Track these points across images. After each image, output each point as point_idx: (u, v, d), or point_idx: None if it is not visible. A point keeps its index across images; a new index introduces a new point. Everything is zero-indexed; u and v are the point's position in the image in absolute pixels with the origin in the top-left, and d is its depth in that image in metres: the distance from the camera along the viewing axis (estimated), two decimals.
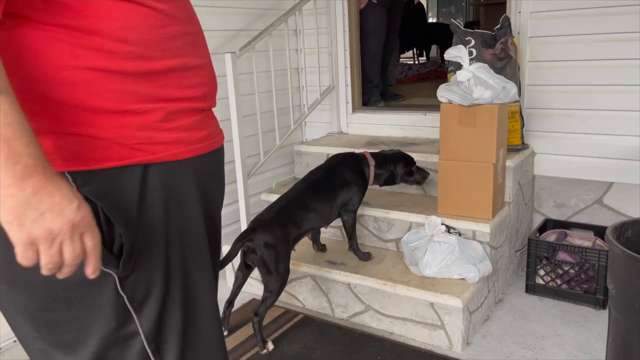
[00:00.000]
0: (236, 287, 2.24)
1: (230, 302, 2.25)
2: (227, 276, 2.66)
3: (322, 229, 2.66)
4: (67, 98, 0.77)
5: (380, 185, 2.52)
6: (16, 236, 0.67)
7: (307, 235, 2.36)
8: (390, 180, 2.49)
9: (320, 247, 2.63)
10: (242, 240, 2.07)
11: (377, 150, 2.56)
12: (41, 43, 0.75)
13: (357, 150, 2.57)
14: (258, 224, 2.11)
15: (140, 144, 0.82)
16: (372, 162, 2.42)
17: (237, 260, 2.20)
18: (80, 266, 0.73)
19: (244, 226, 2.59)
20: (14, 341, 2.11)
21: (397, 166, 2.46)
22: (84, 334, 0.85)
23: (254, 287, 2.66)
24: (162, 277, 0.88)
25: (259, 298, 2.18)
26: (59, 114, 0.77)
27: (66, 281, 0.75)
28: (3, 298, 0.86)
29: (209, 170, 0.97)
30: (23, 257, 0.68)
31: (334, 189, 2.32)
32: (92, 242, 0.73)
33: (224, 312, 2.24)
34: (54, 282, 0.76)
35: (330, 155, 2.54)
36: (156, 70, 0.83)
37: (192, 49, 0.90)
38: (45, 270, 0.70)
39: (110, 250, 0.82)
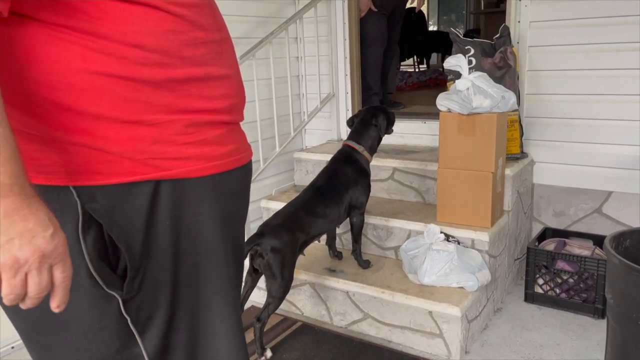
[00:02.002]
0: (245, 291, 2.23)
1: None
2: None
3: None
4: (74, 104, 0.71)
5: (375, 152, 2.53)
6: None
7: (318, 239, 2.37)
8: (379, 142, 2.51)
9: (337, 254, 2.63)
10: (250, 244, 2.07)
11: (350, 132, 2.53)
12: (48, 45, 0.69)
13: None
14: (266, 229, 2.12)
15: (153, 158, 0.76)
16: (360, 148, 2.42)
17: (245, 265, 2.20)
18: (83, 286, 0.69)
19: None
20: (12, 347, 2.11)
21: (375, 130, 2.46)
22: (79, 358, 0.81)
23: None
24: (169, 298, 0.83)
25: (257, 305, 2.18)
26: (65, 121, 0.71)
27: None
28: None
29: (233, 189, 0.89)
30: None
31: (339, 192, 2.34)
32: (62, 274, 0.65)
33: None
34: (49, 301, 0.71)
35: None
36: (174, 79, 0.77)
37: (217, 58, 0.84)
38: (5, 301, 0.63)
39: (114, 270, 0.78)
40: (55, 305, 0.67)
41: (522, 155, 2.72)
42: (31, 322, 0.79)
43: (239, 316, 0.96)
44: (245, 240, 2.12)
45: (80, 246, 0.75)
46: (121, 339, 0.81)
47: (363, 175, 2.41)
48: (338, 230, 2.64)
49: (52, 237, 0.63)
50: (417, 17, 6.30)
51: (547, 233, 2.77)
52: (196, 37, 0.79)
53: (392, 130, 2.54)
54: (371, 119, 2.46)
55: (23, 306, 0.65)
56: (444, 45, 6.66)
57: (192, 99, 0.79)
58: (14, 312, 0.80)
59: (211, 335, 0.90)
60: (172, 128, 0.77)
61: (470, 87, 2.24)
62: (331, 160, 2.47)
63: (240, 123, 0.93)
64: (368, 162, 2.45)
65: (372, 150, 2.48)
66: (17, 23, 0.69)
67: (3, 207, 0.60)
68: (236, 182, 0.90)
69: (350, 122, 2.56)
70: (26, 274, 0.62)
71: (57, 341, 0.80)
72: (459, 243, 2.31)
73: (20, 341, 0.90)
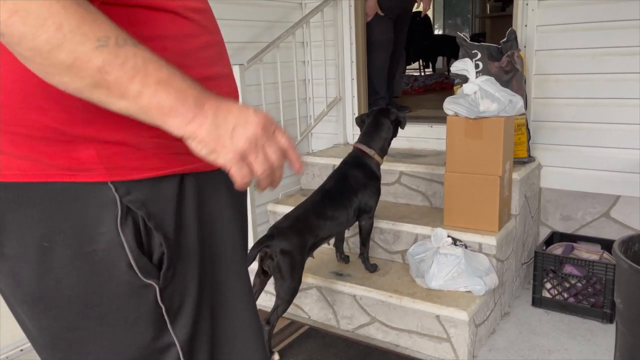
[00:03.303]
0: (253, 293, 2.24)
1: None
2: None
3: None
4: None
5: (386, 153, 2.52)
6: (225, 158, 0.69)
7: (327, 242, 2.37)
8: (390, 142, 2.50)
9: (343, 258, 2.62)
10: (260, 246, 2.08)
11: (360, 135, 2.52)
12: None
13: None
14: (276, 231, 2.13)
15: (179, 153, 0.82)
16: (370, 151, 2.41)
17: (254, 267, 2.20)
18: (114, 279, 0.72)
19: (250, 236, 2.59)
20: (21, 350, 2.12)
21: (386, 131, 2.46)
22: (113, 351, 0.83)
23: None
24: (196, 285, 0.88)
25: (264, 309, 2.18)
26: (107, 121, 0.76)
27: (103, 293, 0.74)
28: (24, 320, 0.84)
29: None
30: (241, 175, 0.70)
31: (348, 196, 2.33)
32: (284, 137, 0.74)
33: None
34: (87, 295, 0.75)
35: (336, 166, 2.55)
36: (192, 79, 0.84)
37: (220, 59, 0.91)
38: (264, 180, 0.72)
39: (150, 260, 0.82)
40: (298, 166, 0.76)
41: (530, 159, 2.72)
42: (63, 319, 0.81)
43: (252, 293, 1.03)
44: (255, 242, 2.13)
45: (120, 238, 0.79)
46: (155, 328, 0.83)
47: (372, 179, 2.40)
48: (345, 234, 2.64)
49: (256, 112, 0.71)
50: (422, 21, 6.31)
51: (555, 237, 2.77)
52: (206, 40, 0.86)
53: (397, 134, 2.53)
54: (385, 118, 2.44)
55: (275, 184, 0.74)
56: (449, 49, 6.69)
57: None
58: (41, 314, 0.82)
59: (231, 315, 0.94)
60: None
61: (477, 91, 2.24)
62: (341, 163, 2.47)
63: None
64: (379, 165, 2.43)
65: (383, 152, 2.46)
66: None
67: (209, 109, 0.68)
68: None
69: (359, 121, 2.54)
70: (263, 148, 0.71)
71: (91, 335, 0.82)
72: (466, 247, 2.30)
73: (29, 344, 0.91)
